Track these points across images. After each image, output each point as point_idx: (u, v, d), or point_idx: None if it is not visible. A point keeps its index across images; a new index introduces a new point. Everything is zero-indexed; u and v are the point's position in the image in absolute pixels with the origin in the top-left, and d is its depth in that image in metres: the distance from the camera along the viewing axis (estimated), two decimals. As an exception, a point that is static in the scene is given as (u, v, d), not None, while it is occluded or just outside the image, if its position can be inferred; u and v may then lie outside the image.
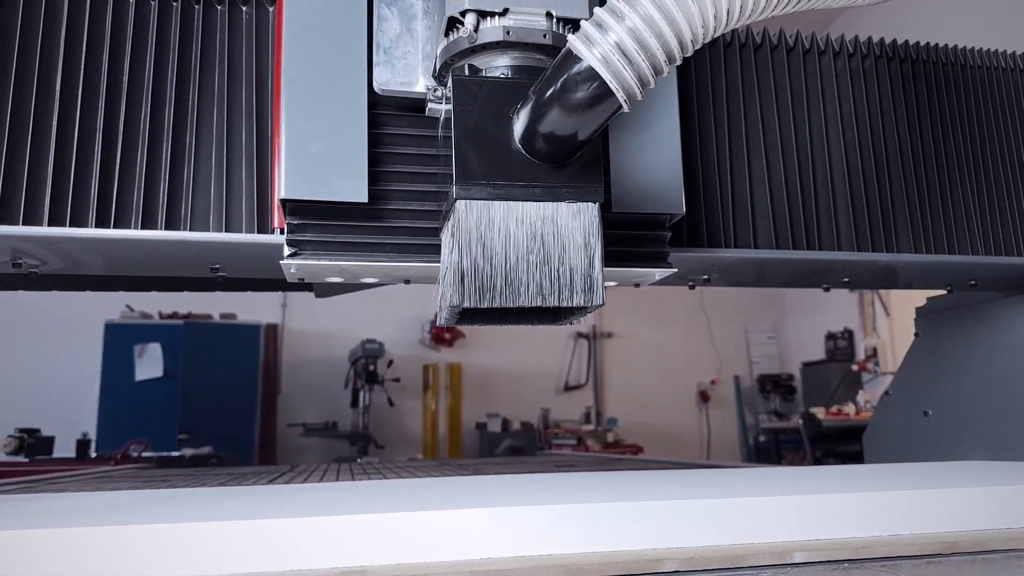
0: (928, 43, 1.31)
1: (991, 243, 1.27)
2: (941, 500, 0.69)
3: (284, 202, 0.91)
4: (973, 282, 1.40)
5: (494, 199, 0.75)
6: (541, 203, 0.75)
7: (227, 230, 1.03)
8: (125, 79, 1.03)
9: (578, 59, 0.69)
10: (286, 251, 0.96)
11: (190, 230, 1.01)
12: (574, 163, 0.77)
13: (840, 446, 5.86)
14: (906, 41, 1.30)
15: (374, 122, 0.95)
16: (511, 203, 0.75)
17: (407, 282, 1.06)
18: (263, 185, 1.05)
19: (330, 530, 0.57)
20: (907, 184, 1.26)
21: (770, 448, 6.68)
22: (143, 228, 1.00)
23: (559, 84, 0.70)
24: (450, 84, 0.77)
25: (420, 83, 0.93)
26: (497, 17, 0.78)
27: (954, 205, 1.27)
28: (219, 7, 1.10)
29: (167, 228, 1.01)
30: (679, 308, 7.21)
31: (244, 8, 1.10)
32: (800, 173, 1.23)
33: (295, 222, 0.94)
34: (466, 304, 0.73)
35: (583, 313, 0.81)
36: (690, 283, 1.34)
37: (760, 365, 7.48)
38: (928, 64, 1.30)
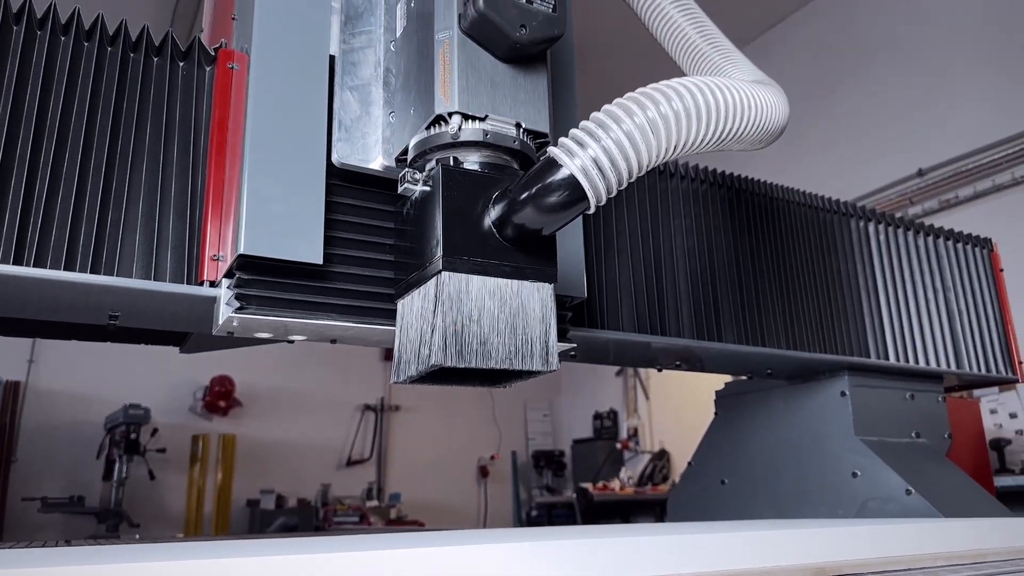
0: (747, 176, 1.65)
1: (788, 339, 1.59)
2: (808, 537, 0.90)
3: (241, 257, 0.95)
4: (769, 371, 1.73)
5: (472, 272, 0.86)
6: (509, 279, 0.88)
7: (155, 279, 1.02)
8: (55, 117, 1.01)
9: (559, 167, 0.84)
10: (226, 307, 0.99)
11: (117, 275, 1.00)
12: (535, 248, 0.91)
13: (606, 519, 6.33)
14: (732, 173, 1.62)
15: (328, 191, 1.02)
16: (486, 277, 0.87)
17: (333, 341, 1.12)
18: (191, 237, 1.07)
19: (376, 565, 0.63)
20: (731, 286, 1.55)
21: (543, 522, 7.01)
22: (65, 270, 0.97)
23: (539, 185, 0.85)
24: (438, 171, 0.89)
25: (377, 161, 1.03)
26: (478, 121, 0.91)
27: (764, 306, 1.58)
28: (156, 59, 1.11)
29: (92, 271, 0.98)
30: (466, 385, 7.43)
31: (182, 64, 1.13)
32: (655, 271, 1.47)
33: (245, 277, 0.97)
34: (448, 363, 0.82)
35: (530, 376, 0.94)
36: (556, 358, 1.50)
37: (536, 441, 7.89)
38: (746, 193, 1.63)
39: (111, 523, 5.63)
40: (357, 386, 7.36)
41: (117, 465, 5.76)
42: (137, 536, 4.68)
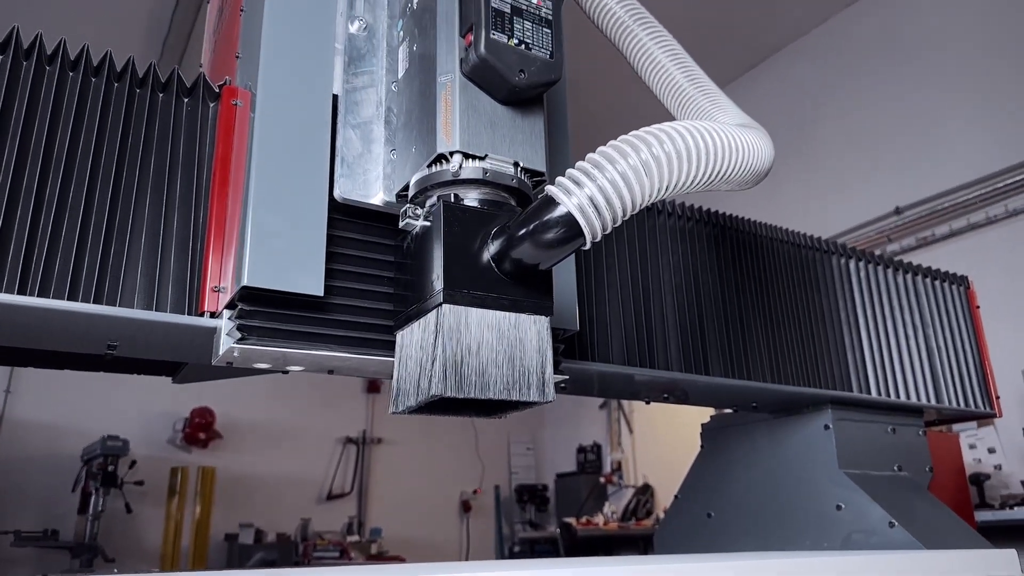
0: (728, 212, 1.69)
1: (773, 373, 1.63)
2: (794, 568, 0.92)
3: (244, 288, 0.97)
4: (754, 404, 1.76)
5: (472, 305, 0.89)
6: (507, 312, 0.91)
7: (156, 309, 1.04)
8: (61, 150, 1.03)
9: (557, 204, 0.87)
10: (227, 337, 1.01)
11: (120, 306, 1.01)
12: (532, 282, 0.94)
13: (590, 555, 6.28)
14: (715, 210, 1.67)
15: (330, 225, 1.04)
16: (484, 310, 0.90)
17: (330, 372, 1.13)
18: (192, 269, 1.08)
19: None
20: (717, 321, 1.59)
21: (526, 557, 6.94)
22: (68, 300, 0.98)
23: (537, 222, 0.88)
24: (439, 207, 0.92)
25: (378, 196, 1.06)
26: (478, 160, 0.95)
27: (749, 340, 1.61)
28: (161, 95, 1.14)
29: (94, 302, 1.00)
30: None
31: (186, 100, 1.16)
32: (643, 306, 1.50)
33: (247, 308, 0.99)
34: (448, 394, 0.84)
35: (527, 407, 0.96)
36: (546, 391, 1.53)
37: (519, 475, 7.85)
38: (731, 231, 1.68)
39: (86, 558, 5.51)
40: (339, 418, 7.31)
41: (93, 498, 5.66)
42: (116, 570, 4.58)
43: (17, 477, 5.91)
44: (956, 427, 4.06)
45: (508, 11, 0.93)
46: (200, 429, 6.76)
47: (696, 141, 0.93)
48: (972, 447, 4.25)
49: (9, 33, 1.03)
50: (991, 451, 4.22)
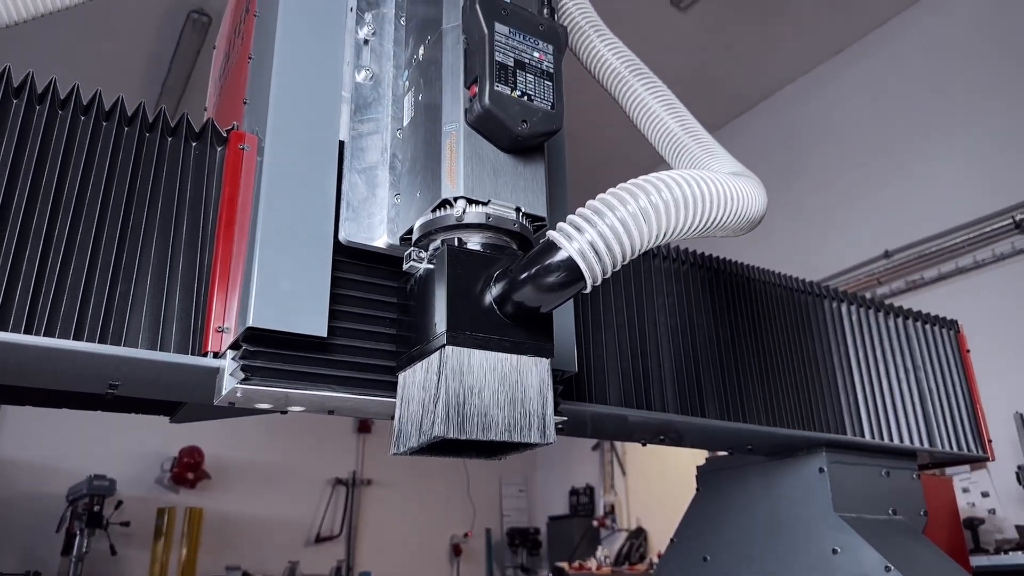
0: (725, 258, 1.72)
1: (768, 416, 1.64)
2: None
3: (249, 329, 0.98)
4: (750, 447, 1.77)
5: (474, 347, 0.91)
6: (509, 354, 0.93)
7: (160, 349, 1.05)
8: (71, 192, 1.05)
9: (558, 249, 0.89)
10: (231, 378, 1.02)
11: (124, 345, 1.02)
12: (533, 324, 0.96)
13: (582, 600, 6.17)
14: (711, 255, 1.70)
15: (334, 267, 1.06)
16: (487, 352, 0.91)
17: (331, 412, 1.14)
18: (197, 309, 1.10)
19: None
20: (712, 363, 1.61)
21: (517, 603, 6.83)
22: (74, 339, 0.99)
23: (539, 266, 0.90)
24: (443, 250, 0.94)
25: (382, 239, 1.08)
26: (481, 205, 0.97)
27: (744, 383, 1.63)
28: (170, 139, 1.17)
29: (99, 341, 1.01)
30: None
31: (195, 144, 1.18)
32: (640, 348, 1.52)
33: (252, 349, 1.00)
34: (450, 435, 0.86)
35: (527, 448, 0.97)
36: (543, 432, 1.53)
37: (510, 518, 7.75)
38: (725, 274, 1.71)
39: (67, 601, 5.40)
40: (329, 459, 7.23)
41: (78, 539, 5.55)
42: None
43: (1, 516, 5.81)
44: (949, 471, 4.06)
45: (511, 64, 0.97)
46: (188, 469, 6.68)
47: (693, 189, 0.96)
48: (966, 491, 4.24)
49: (24, 78, 1.06)
50: (984, 495, 4.22)
